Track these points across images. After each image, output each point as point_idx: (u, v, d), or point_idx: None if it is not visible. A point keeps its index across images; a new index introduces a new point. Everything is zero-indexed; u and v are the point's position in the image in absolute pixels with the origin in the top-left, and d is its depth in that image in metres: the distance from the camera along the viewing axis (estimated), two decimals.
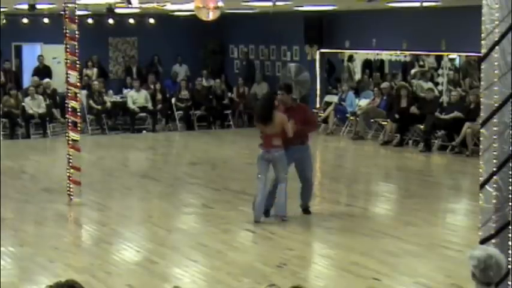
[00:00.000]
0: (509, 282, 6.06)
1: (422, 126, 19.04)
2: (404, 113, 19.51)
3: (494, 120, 6.17)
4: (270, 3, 17.82)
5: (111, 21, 22.99)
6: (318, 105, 22.98)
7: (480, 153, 6.33)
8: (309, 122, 12.16)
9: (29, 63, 24.77)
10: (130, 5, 15.28)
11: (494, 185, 6.19)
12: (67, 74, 13.25)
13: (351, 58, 23.75)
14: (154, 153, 19.99)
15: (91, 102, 22.45)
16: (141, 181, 15.54)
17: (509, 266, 6.05)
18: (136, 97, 22.84)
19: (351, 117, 21.40)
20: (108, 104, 22.76)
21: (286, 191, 11.77)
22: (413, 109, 19.48)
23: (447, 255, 10.11)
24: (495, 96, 6.15)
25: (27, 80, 24.32)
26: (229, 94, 24.22)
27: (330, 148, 20.44)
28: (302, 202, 12.34)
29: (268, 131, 11.60)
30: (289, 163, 11.93)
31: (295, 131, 11.63)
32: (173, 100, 23.12)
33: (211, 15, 13.33)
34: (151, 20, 24.40)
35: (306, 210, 12.35)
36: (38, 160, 18.70)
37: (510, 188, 6.20)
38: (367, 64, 23.60)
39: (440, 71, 21.50)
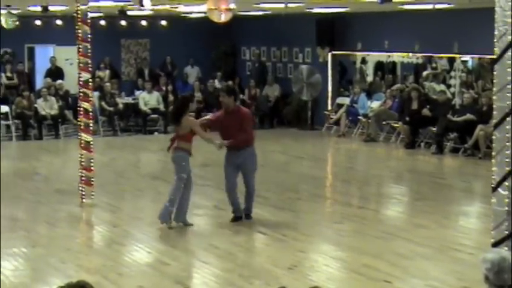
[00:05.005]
0: None
1: (434, 129, 18.99)
2: (416, 115, 19.46)
3: (507, 123, 6.15)
4: (282, 5, 17.82)
5: (123, 23, 23.03)
6: (329, 107, 22.98)
7: (493, 156, 6.31)
8: (244, 130, 11.83)
9: (42, 65, 24.85)
10: (142, 7, 15.29)
11: (507, 188, 6.17)
12: (79, 75, 13.28)
13: (364, 60, 23.73)
14: (166, 154, 19.87)
15: (103, 103, 22.49)
16: (152, 183, 15.55)
17: None
18: (148, 99, 22.87)
19: (363, 120, 21.38)
20: (120, 106, 22.81)
21: (185, 196, 11.69)
22: (426, 111, 19.42)
23: (459, 258, 10.08)
24: (508, 99, 6.13)
25: (40, 81, 24.43)
26: (241, 96, 24.21)
27: (342, 150, 20.41)
28: (245, 207, 12.13)
29: (180, 132, 11.84)
30: (233, 167, 11.88)
31: (231, 143, 11.71)
32: None
33: (224, 17, 13.31)
34: (164, 22, 24.43)
35: (247, 215, 12.11)
36: (50, 161, 18.75)
37: None
38: (379, 66, 23.55)
39: (452, 73, 21.43)
